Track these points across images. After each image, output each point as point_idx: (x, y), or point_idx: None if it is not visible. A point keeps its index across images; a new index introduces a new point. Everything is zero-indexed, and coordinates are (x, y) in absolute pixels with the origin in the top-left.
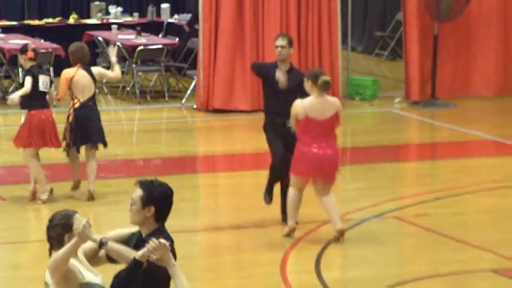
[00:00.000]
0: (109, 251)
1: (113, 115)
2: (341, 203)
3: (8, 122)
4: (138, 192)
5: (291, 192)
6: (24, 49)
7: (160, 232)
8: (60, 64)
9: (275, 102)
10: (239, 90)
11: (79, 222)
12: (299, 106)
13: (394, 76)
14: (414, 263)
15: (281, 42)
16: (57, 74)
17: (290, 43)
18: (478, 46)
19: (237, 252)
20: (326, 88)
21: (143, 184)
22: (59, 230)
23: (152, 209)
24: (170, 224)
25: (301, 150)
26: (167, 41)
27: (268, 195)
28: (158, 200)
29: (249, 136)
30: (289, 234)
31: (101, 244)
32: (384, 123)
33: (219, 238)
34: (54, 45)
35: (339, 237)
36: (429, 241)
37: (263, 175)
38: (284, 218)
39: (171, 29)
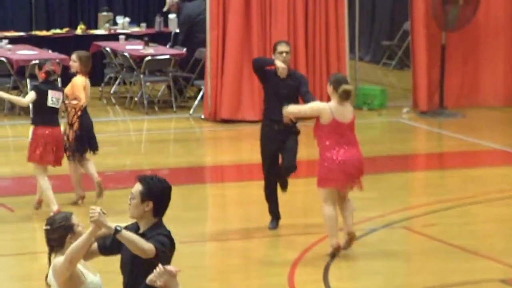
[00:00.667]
0: (123, 239)
1: (121, 126)
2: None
3: (17, 133)
4: (138, 187)
5: (327, 209)
6: (40, 66)
7: (158, 226)
8: (67, 74)
9: (275, 107)
10: (247, 100)
11: (93, 211)
12: (327, 108)
13: (402, 85)
14: (422, 272)
15: (285, 47)
16: (65, 84)
17: (290, 49)
18: (485, 55)
19: (245, 262)
20: (346, 97)
21: (143, 180)
22: (61, 232)
23: (151, 204)
24: (179, 233)
25: (331, 158)
26: (174, 51)
27: (271, 221)
28: (156, 196)
29: (257, 146)
30: (334, 254)
31: (116, 232)
32: (392, 132)
33: (227, 248)
34: (62, 56)
35: (350, 241)
36: (438, 251)
37: None
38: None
39: (179, 40)
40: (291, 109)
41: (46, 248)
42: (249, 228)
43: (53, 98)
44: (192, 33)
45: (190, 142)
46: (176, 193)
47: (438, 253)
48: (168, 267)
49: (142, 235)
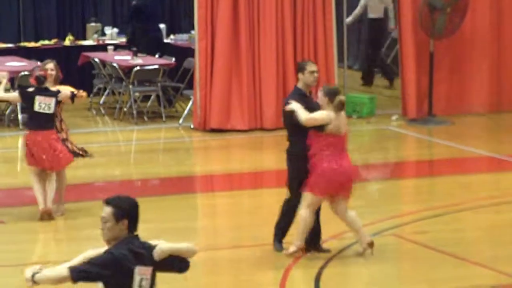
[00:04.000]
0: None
1: (110, 136)
2: (338, 221)
3: (6, 145)
4: (108, 209)
5: (307, 213)
6: (31, 71)
7: (121, 242)
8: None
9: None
10: (236, 109)
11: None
12: (329, 118)
13: (391, 93)
14: (413, 280)
15: (314, 67)
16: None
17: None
18: (473, 63)
19: (235, 272)
20: (341, 108)
21: (111, 201)
22: None
23: (126, 222)
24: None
25: (326, 167)
26: (163, 61)
27: (279, 242)
28: (130, 212)
29: (247, 155)
30: (293, 254)
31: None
32: (381, 140)
33: (218, 258)
34: None
35: (368, 249)
36: (428, 258)
37: (262, 194)
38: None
39: (167, 50)
40: (299, 112)
41: (36, 259)
42: (239, 237)
43: (40, 104)
44: None
45: (179, 151)
46: (166, 203)
47: (429, 260)
48: None
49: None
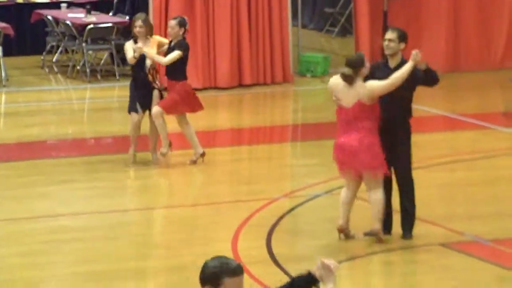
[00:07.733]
0: None
1: (63, 94)
2: (291, 179)
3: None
4: None
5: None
6: (182, 23)
7: None
8: (9, 43)
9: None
10: (190, 68)
11: None
12: None
13: (345, 52)
14: (365, 238)
15: (390, 34)
16: (6, 53)
17: (401, 38)
18: (427, 22)
19: (189, 229)
20: (343, 79)
21: None
22: None
23: None
24: (123, 202)
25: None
26: (117, 19)
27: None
28: None
29: (200, 114)
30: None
31: None
32: None
33: (172, 216)
34: (3, 24)
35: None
36: None
37: (215, 152)
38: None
39: (121, 7)
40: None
41: None
42: (193, 195)
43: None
44: None
45: None
46: (120, 161)
47: None
48: (327, 262)
49: None
